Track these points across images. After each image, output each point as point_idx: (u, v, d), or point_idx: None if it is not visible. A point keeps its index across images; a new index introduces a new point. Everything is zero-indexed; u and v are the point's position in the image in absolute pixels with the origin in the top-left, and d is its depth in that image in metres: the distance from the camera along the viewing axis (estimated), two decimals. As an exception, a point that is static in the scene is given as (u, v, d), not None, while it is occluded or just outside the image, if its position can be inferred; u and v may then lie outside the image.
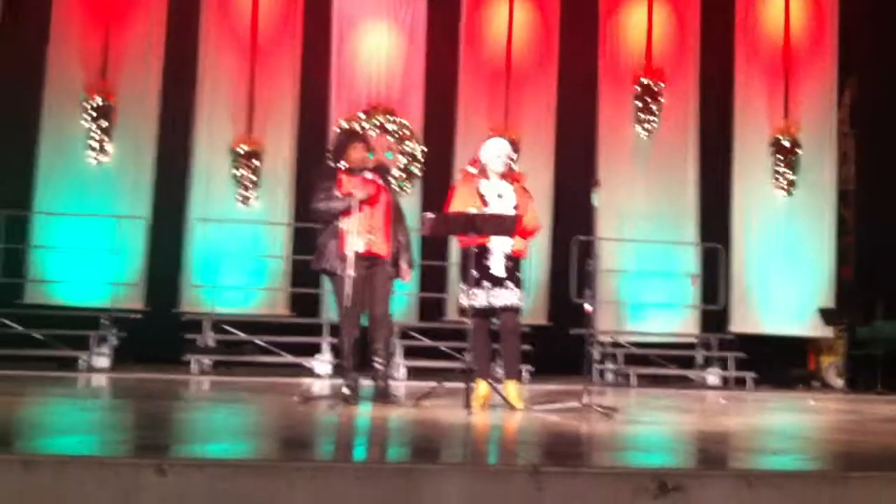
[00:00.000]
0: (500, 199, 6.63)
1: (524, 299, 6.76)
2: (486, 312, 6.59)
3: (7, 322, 10.90)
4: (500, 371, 7.25)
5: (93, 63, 11.96)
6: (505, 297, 6.53)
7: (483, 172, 6.74)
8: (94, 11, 12.02)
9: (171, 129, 12.07)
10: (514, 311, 6.62)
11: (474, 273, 6.46)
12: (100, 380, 9.32)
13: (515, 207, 6.62)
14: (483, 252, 6.52)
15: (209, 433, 4.76)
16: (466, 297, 6.49)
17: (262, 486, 3.15)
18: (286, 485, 3.16)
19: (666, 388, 10.90)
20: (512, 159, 6.85)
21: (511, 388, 6.54)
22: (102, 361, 10.61)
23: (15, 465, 3.14)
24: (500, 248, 6.55)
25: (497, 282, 6.53)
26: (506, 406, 6.35)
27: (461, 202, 6.64)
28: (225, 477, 3.16)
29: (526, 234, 6.67)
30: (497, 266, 6.54)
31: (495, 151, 6.74)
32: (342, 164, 6.71)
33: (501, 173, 6.71)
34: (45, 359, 10.52)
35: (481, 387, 6.43)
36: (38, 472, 3.11)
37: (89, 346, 10.64)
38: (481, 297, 6.49)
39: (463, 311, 6.62)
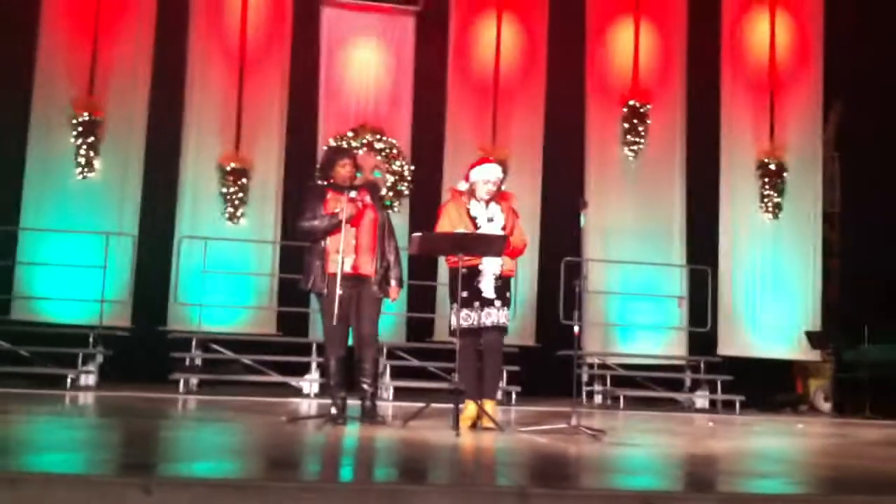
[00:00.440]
0: (491, 223, 6.66)
1: (509, 319, 6.77)
2: (475, 332, 6.60)
3: (-8, 339, 10.84)
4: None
5: (80, 79, 11.94)
6: (493, 316, 6.55)
7: (472, 193, 6.77)
8: (82, 27, 12.00)
9: (158, 146, 12.05)
10: (499, 330, 6.64)
11: (464, 294, 6.48)
12: (86, 398, 9.27)
13: (503, 228, 6.66)
14: (474, 273, 6.54)
15: (196, 452, 4.74)
16: (457, 317, 6.50)
17: (248, 507, 3.13)
18: (273, 505, 3.15)
19: (654, 411, 10.90)
20: (498, 183, 6.86)
21: (488, 408, 6.55)
22: (89, 379, 10.55)
23: (1, 482, 3.12)
24: (490, 268, 6.57)
25: (487, 302, 6.56)
26: (494, 427, 6.35)
27: (449, 222, 6.67)
28: (211, 496, 3.14)
29: (514, 253, 6.72)
30: (487, 287, 6.58)
31: (483, 177, 6.78)
32: (329, 182, 6.69)
33: (487, 199, 6.75)
34: (32, 376, 10.45)
35: (469, 407, 6.44)
36: (25, 489, 3.09)
37: (76, 363, 10.57)
38: (472, 318, 6.51)
39: (453, 332, 6.62)
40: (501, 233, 6.61)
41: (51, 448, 4.58)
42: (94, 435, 5.72)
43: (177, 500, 3.12)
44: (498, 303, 6.59)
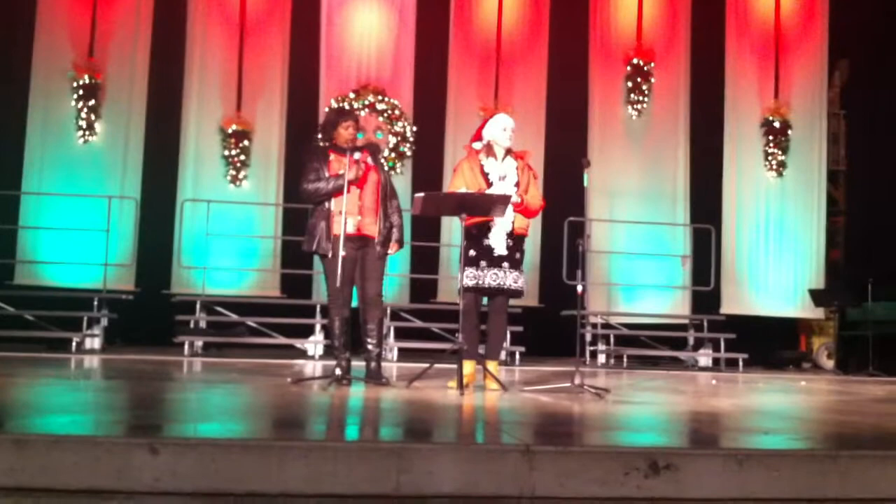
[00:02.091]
0: (503, 181, 6.59)
1: (523, 282, 6.67)
2: (480, 292, 6.58)
3: (-2, 303, 10.88)
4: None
5: (80, 42, 11.90)
6: (499, 279, 6.52)
7: (489, 150, 6.70)
8: (81, -10, 11.94)
9: (159, 109, 12.03)
10: (506, 293, 6.62)
11: (471, 252, 6.47)
12: (91, 361, 9.30)
13: (516, 185, 6.59)
14: (484, 230, 6.51)
15: (202, 413, 4.76)
16: (461, 276, 6.48)
17: (254, 465, 3.15)
18: (278, 463, 3.17)
19: (657, 370, 10.94)
20: (514, 131, 6.77)
21: (491, 368, 6.56)
22: (94, 343, 10.60)
23: (7, 443, 3.13)
24: (501, 225, 6.52)
25: (495, 262, 6.52)
26: (497, 388, 6.37)
27: (463, 180, 6.62)
28: (217, 456, 3.16)
29: (527, 212, 6.63)
30: (498, 243, 6.52)
31: (501, 125, 6.70)
32: (331, 143, 6.66)
33: (507, 149, 6.68)
34: (37, 340, 10.50)
35: (466, 367, 6.40)
36: (31, 450, 3.11)
37: (81, 327, 10.61)
38: (477, 278, 6.48)
39: (469, 290, 6.57)
40: (513, 190, 6.54)
41: (57, 410, 4.60)
42: (99, 397, 5.74)
43: (183, 459, 3.14)
44: (506, 264, 6.53)
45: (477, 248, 6.51)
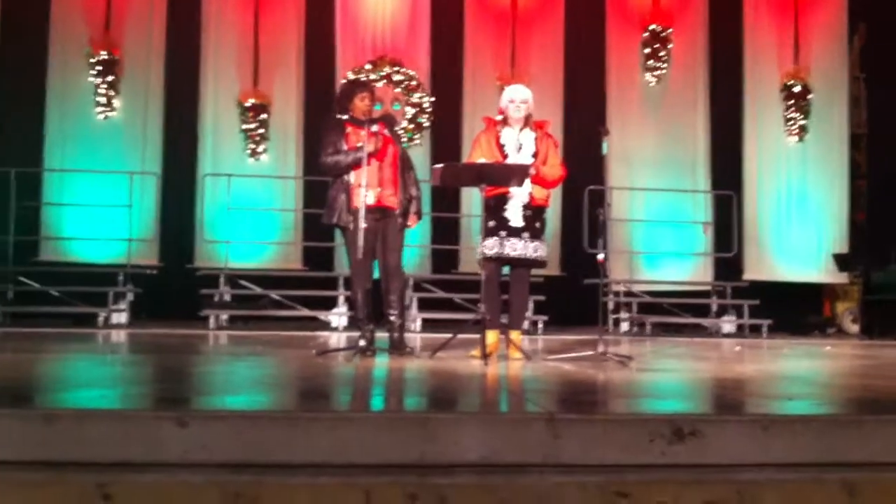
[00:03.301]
0: (519, 152, 6.57)
1: (544, 250, 6.65)
2: (500, 261, 6.57)
3: (23, 279, 10.97)
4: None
5: (97, 17, 11.91)
6: (520, 248, 6.51)
7: (505, 121, 6.68)
8: (97, -36, 11.94)
9: (177, 84, 12.05)
10: (527, 263, 6.61)
11: (490, 223, 6.47)
12: (118, 335, 9.39)
13: (534, 155, 6.56)
14: (501, 201, 6.50)
15: (229, 386, 4.80)
16: (481, 246, 6.50)
17: (282, 436, 3.18)
18: (305, 434, 3.20)
19: (681, 337, 10.93)
20: (529, 104, 6.71)
21: (514, 337, 6.57)
22: (121, 317, 10.67)
23: (36, 418, 3.17)
24: (518, 197, 6.50)
25: (514, 232, 6.51)
26: (521, 357, 6.39)
27: (480, 152, 6.61)
28: (246, 427, 3.19)
29: (547, 183, 6.59)
30: (515, 215, 6.50)
31: (509, 96, 6.68)
32: (348, 115, 6.65)
33: (522, 120, 6.64)
34: (62, 315, 10.59)
35: (490, 336, 6.42)
36: (60, 425, 3.15)
37: (107, 302, 10.69)
38: (496, 248, 6.48)
39: (480, 261, 6.61)
40: (530, 161, 6.51)
41: (85, 384, 4.65)
42: (127, 371, 5.80)
43: (212, 431, 3.17)
44: (526, 234, 6.51)
45: (496, 219, 6.51)
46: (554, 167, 6.61)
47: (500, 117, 6.72)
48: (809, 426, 3.43)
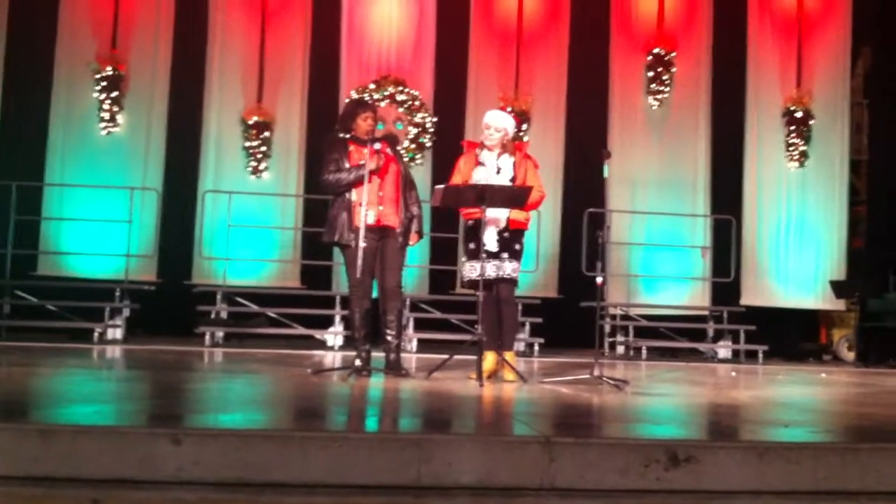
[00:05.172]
0: (498, 175, 6.61)
1: (518, 271, 6.70)
2: (487, 284, 6.58)
3: (21, 293, 10.96)
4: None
5: (104, 33, 11.96)
6: (497, 268, 6.55)
7: (484, 144, 6.75)
8: (104, -19, 11.99)
9: (181, 100, 12.07)
10: (506, 282, 6.64)
11: (472, 246, 6.52)
12: (114, 351, 9.37)
13: (512, 180, 6.60)
14: (478, 225, 6.53)
15: (223, 403, 4.80)
16: (465, 269, 6.56)
17: (275, 455, 3.18)
18: (300, 454, 3.20)
19: (677, 361, 10.91)
20: (503, 131, 6.73)
21: (508, 358, 6.58)
22: (116, 333, 10.66)
23: (32, 433, 3.17)
24: (493, 220, 6.53)
25: (492, 254, 6.55)
26: (516, 379, 6.38)
27: (459, 175, 6.70)
28: (239, 446, 3.19)
29: (527, 206, 6.63)
30: (490, 239, 6.55)
31: (485, 122, 6.76)
32: (350, 134, 6.68)
33: (498, 145, 6.69)
34: (59, 330, 10.58)
35: (487, 358, 6.43)
36: (55, 440, 3.14)
37: (103, 318, 10.68)
38: (477, 269, 6.50)
39: (463, 284, 6.66)
40: (508, 184, 6.56)
41: (80, 400, 4.64)
42: (122, 387, 5.79)
43: (206, 449, 3.17)
44: (504, 255, 6.57)
45: (475, 241, 6.55)
46: (534, 190, 6.63)
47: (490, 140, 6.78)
48: (805, 454, 3.43)
